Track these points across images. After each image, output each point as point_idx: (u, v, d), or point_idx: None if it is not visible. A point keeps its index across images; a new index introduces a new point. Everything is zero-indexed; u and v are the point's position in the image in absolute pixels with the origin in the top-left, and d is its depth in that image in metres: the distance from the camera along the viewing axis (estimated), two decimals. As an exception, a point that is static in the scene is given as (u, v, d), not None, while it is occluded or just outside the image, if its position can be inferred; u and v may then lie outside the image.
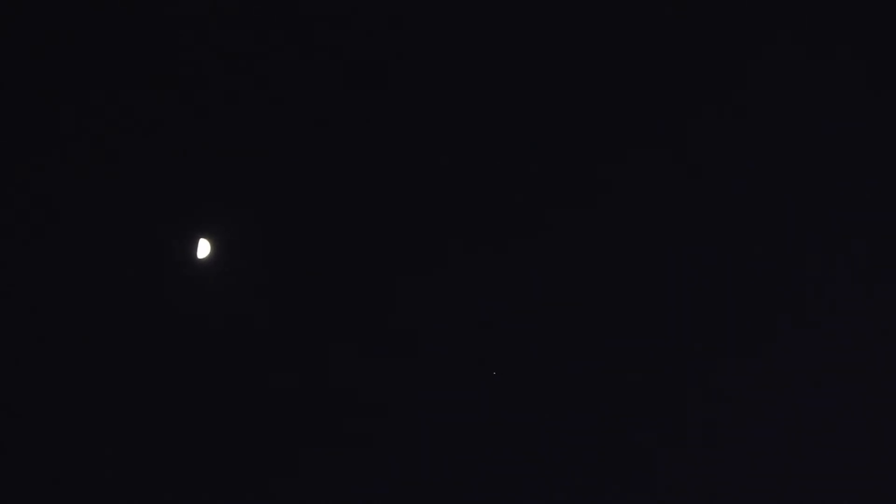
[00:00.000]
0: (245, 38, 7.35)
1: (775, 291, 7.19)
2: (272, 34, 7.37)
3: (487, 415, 7.23)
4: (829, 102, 7.24)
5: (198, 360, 7.25)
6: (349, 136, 7.39)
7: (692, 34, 7.32)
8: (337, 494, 7.16)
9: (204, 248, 7.30)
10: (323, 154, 7.37)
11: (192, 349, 7.25)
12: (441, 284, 7.31)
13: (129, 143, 7.31)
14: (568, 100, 7.35)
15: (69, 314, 7.22)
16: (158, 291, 7.25)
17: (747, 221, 7.25)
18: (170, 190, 7.30)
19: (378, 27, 7.39)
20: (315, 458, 7.21)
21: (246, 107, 7.35)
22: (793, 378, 7.14)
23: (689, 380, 7.19)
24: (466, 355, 7.28)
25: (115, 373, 7.21)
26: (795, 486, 7.05)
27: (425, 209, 7.36)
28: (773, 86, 7.27)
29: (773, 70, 7.26)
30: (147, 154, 7.31)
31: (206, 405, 7.22)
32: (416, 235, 7.36)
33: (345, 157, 7.37)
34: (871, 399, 7.08)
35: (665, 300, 7.23)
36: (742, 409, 7.14)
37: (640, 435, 7.15)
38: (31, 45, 7.27)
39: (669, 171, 7.29)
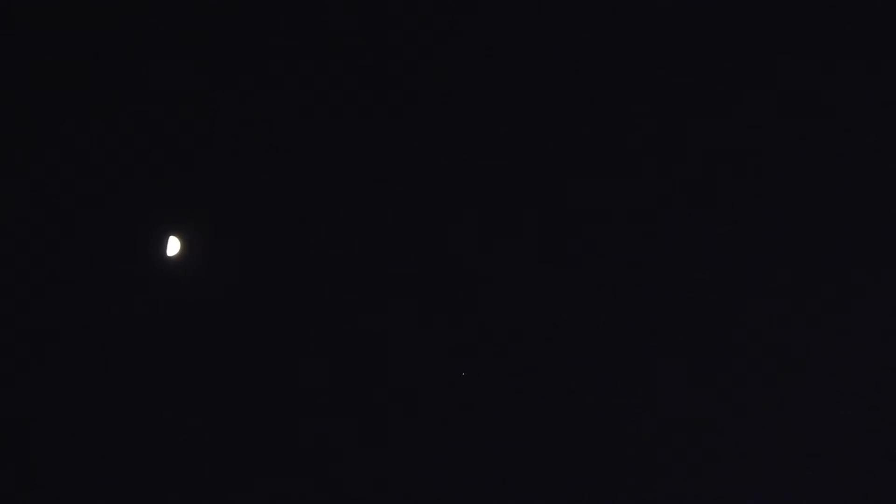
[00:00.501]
0: (217, 35, 7.36)
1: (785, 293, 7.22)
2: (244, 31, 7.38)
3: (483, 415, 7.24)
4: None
5: (171, 357, 7.24)
6: (328, 134, 7.38)
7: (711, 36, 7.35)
8: (322, 494, 7.17)
9: (174, 246, 7.30)
10: (301, 151, 7.37)
11: (166, 347, 7.23)
12: (425, 284, 7.32)
13: (103, 140, 7.31)
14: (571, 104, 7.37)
15: (42, 312, 7.21)
16: (129, 289, 7.23)
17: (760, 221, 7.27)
18: (142, 187, 7.30)
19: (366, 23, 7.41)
20: (293, 458, 7.20)
21: (223, 104, 7.36)
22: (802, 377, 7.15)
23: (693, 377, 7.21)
24: (460, 355, 7.28)
25: (89, 372, 7.20)
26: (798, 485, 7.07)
27: (405, 206, 7.36)
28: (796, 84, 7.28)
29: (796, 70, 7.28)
30: (120, 152, 7.31)
31: (182, 404, 7.22)
32: (397, 232, 7.36)
33: (324, 154, 7.37)
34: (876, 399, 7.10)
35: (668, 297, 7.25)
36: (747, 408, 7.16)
37: (642, 435, 7.16)
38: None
39: (678, 171, 7.31)
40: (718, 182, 7.29)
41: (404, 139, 7.38)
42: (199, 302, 7.29)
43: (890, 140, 7.23)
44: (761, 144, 7.28)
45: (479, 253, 7.33)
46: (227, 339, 7.28)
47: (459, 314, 7.30)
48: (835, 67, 7.27)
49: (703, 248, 7.25)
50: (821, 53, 7.28)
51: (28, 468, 7.12)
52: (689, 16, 7.33)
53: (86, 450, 7.16)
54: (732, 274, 7.23)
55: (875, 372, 7.08)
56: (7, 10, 7.28)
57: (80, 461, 7.14)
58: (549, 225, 7.32)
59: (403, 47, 7.40)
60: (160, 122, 7.34)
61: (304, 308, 7.31)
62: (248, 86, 7.37)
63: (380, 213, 7.35)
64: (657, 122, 7.32)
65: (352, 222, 7.35)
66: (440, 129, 7.38)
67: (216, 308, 7.30)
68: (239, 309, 7.30)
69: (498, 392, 7.23)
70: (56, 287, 7.25)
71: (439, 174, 7.37)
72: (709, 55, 7.32)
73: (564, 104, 7.35)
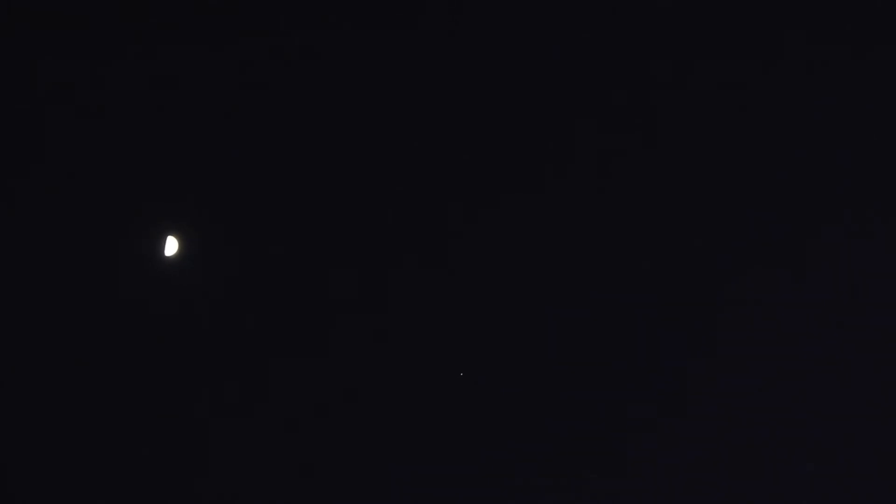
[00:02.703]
0: (217, 34, 7.37)
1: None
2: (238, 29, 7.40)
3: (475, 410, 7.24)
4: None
5: (169, 357, 7.23)
6: (327, 133, 7.39)
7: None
8: (322, 494, 7.16)
9: (172, 246, 7.30)
10: (300, 151, 7.37)
11: (165, 347, 7.23)
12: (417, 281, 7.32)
13: (102, 140, 7.32)
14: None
15: (41, 312, 7.22)
16: (127, 289, 7.24)
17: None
18: (141, 187, 7.31)
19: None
20: (292, 458, 7.19)
21: (221, 103, 7.37)
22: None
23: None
24: (452, 355, 7.27)
25: (87, 371, 7.20)
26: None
27: (405, 205, 7.35)
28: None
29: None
30: (119, 151, 7.32)
31: (180, 403, 7.21)
32: (397, 231, 7.36)
33: (323, 153, 7.38)
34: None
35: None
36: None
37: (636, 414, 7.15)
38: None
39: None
40: (718, 182, 7.28)
41: (404, 140, 7.38)
42: (198, 302, 7.28)
43: (889, 140, 7.23)
44: (761, 144, 7.28)
45: (478, 252, 7.33)
46: (226, 339, 7.28)
47: (459, 314, 7.29)
48: (834, 67, 7.28)
49: (702, 247, 7.24)
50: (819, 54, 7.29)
51: (26, 468, 7.12)
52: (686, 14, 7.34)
53: (84, 450, 7.16)
54: (731, 273, 7.21)
55: (875, 372, 7.07)
56: (7, 10, 7.30)
57: (78, 461, 7.14)
58: (548, 223, 7.32)
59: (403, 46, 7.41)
60: (160, 121, 7.35)
61: (303, 308, 7.31)
62: (247, 85, 7.38)
63: (380, 213, 7.34)
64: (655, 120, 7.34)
65: (351, 222, 7.35)
66: (440, 130, 7.38)
67: (215, 308, 7.29)
68: (238, 309, 7.30)
69: (496, 392, 7.22)
70: (54, 287, 7.25)
71: (440, 174, 7.36)
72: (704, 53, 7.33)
73: (564, 103, 7.36)
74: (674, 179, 7.27)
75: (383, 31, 7.38)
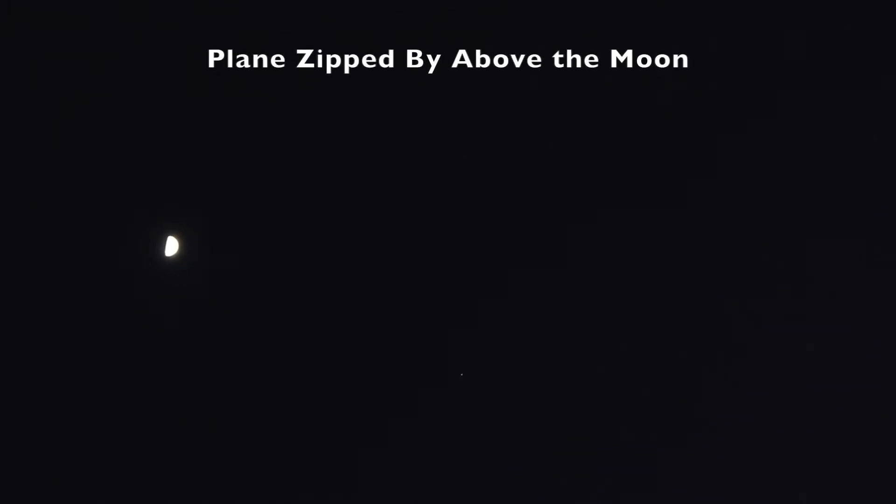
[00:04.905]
0: (217, 34, 7.36)
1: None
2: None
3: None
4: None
5: (169, 358, 7.23)
6: (328, 133, 7.39)
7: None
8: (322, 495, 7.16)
9: (172, 246, 7.29)
10: (301, 150, 7.37)
11: (165, 347, 7.22)
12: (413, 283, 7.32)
13: (102, 139, 7.32)
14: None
15: (40, 313, 7.21)
16: (128, 289, 7.23)
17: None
18: (141, 187, 7.31)
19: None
20: (292, 459, 7.19)
21: (222, 102, 7.36)
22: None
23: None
24: (450, 357, 7.27)
25: (86, 372, 7.20)
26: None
27: (407, 205, 7.35)
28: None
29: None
30: (119, 150, 7.32)
31: (180, 405, 7.21)
32: (399, 231, 7.35)
33: (324, 153, 7.37)
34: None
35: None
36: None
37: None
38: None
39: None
40: (719, 180, 7.29)
41: (406, 140, 7.38)
42: (198, 302, 7.28)
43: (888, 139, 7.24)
44: (761, 142, 7.28)
45: (479, 252, 7.33)
46: (226, 339, 7.28)
47: (458, 314, 7.29)
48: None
49: (700, 246, 7.24)
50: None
51: (25, 469, 7.12)
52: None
53: (84, 451, 7.16)
54: (730, 273, 7.21)
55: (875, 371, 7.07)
56: (7, 10, 7.30)
57: (77, 462, 7.14)
58: (548, 223, 7.32)
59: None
60: (160, 120, 7.35)
61: (304, 308, 7.30)
62: (247, 85, 7.37)
63: (381, 213, 7.34)
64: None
65: (352, 221, 7.34)
66: (443, 131, 7.38)
67: (215, 309, 7.29)
68: (238, 309, 7.30)
69: (497, 392, 7.22)
70: (54, 287, 7.25)
71: (442, 175, 7.36)
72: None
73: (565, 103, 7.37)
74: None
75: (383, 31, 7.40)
